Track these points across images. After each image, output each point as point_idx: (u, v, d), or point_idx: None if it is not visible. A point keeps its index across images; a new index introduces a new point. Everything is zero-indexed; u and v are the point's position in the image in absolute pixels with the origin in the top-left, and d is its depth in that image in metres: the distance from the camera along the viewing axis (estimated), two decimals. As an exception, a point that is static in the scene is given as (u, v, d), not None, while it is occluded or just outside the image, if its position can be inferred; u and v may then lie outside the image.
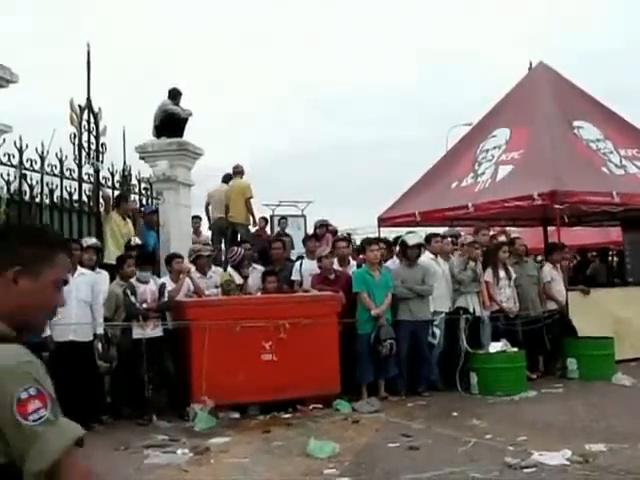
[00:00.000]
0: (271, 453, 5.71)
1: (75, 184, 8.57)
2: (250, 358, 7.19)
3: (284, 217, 14.00)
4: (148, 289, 7.33)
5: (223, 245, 11.83)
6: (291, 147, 49.01)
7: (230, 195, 11.79)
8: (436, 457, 5.38)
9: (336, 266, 8.42)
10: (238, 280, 8.42)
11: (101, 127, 8.93)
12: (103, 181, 8.96)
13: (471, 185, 10.92)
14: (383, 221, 12.02)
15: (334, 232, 11.39)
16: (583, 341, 8.95)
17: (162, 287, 7.44)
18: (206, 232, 12.65)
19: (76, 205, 8.61)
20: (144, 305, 7.22)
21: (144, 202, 10.02)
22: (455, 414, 7.01)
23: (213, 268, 8.63)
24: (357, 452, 5.62)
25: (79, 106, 8.66)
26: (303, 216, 15.17)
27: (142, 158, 10.41)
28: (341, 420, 6.90)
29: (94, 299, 6.91)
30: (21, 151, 7.64)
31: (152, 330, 7.17)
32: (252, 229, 12.20)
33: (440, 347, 8.42)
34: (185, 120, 10.68)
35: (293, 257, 10.48)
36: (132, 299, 7.16)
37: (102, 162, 8.93)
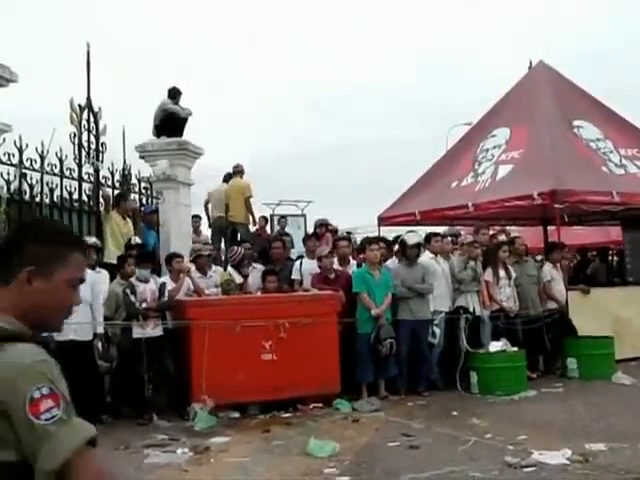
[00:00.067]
0: (271, 452, 5.71)
1: (75, 183, 8.56)
2: (250, 357, 7.19)
3: (284, 216, 14.00)
4: (148, 288, 7.33)
5: (223, 244, 11.83)
6: (291, 147, 48.91)
7: (230, 194, 11.79)
8: (436, 456, 5.38)
9: (336, 265, 8.42)
10: (238, 279, 8.43)
11: (101, 126, 8.92)
12: (103, 180, 8.95)
13: (471, 184, 10.92)
14: (383, 220, 12.03)
15: (334, 231, 11.37)
16: (583, 340, 8.96)
17: (162, 286, 7.44)
18: (206, 231, 12.66)
19: (76, 204, 8.60)
20: (144, 304, 7.22)
21: (144, 201, 10.02)
22: (455, 413, 7.01)
23: (213, 267, 8.64)
24: (357, 451, 5.62)
25: (79, 105, 8.66)
26: (303, 215, 15.17)
27: (142, 157, 10.40)
28: (341, 419, 6.90)
29: (94, 298, 6.90)
30: (21, 150, 7.63)
31: (152, 329, 7.17)
32: (252, 228, 12.20)
33: (440, 346, 8.42)
34: (185, 119, 10.68)
35: (293, 256, 10.47)
36: (132, 298, 7.16)
37: (102, 161, 8.93)
